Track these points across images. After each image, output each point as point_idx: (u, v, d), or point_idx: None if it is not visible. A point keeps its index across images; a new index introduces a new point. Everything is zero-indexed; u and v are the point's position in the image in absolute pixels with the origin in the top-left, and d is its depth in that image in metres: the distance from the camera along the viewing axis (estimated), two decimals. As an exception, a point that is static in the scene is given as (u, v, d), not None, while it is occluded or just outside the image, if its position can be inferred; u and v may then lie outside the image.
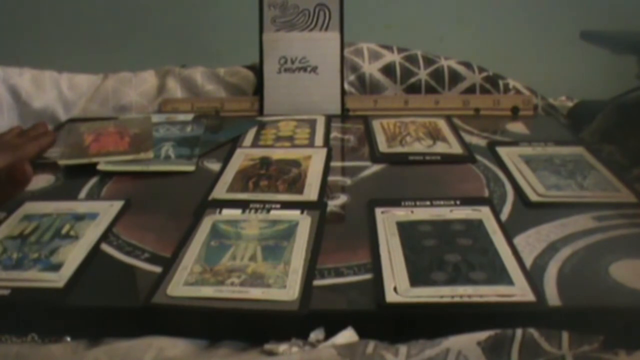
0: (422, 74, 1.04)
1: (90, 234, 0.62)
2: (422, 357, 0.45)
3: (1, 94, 0.97)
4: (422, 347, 0.46)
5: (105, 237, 0.63)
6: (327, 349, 0.47)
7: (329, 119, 0.96)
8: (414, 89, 1.04)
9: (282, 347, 0.48)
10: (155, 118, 0.95)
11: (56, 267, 0.57)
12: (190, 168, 0.80)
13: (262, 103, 1.01)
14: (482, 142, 0.86)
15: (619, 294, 0.52)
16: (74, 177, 0.78)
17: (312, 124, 0.94)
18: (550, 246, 0.59)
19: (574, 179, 0.73)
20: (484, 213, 0.64)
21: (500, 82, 1.04)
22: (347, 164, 0.82)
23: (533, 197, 0.69)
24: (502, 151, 0.82)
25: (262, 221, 0.64)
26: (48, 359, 0.49)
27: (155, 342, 0.49)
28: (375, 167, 0.80)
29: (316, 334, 0.49)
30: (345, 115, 1.00)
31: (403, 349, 0.46)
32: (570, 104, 1.05)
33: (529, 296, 0.51)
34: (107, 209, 0.68)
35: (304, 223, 0.63)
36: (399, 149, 0.84)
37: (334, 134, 0.92)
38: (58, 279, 0.55)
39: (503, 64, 1.08)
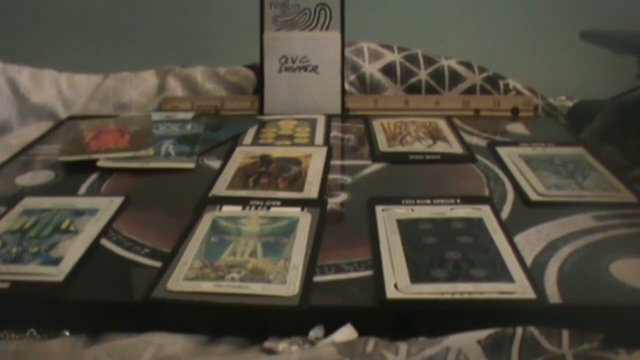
0: (423, 74, 1.04)
1: (90, 229, 0.62)
2: (422, 356, 0.45)
3: (0, 84, 0.97)
4: (422, 345, 0.46)
5: (105, 232, 0.63)
6: (327, 347, 0.46)
7: (329, 118, 0.96)
8: (414, 89, 1.04)
9: (282, 345, 0.48)
10: (156, 116, 0.95)
11: (55, 261, 0.56)
12: (190, 165, 0.79)
13: (262, 102, 1.01)
14: (483, 143, 0.86)
15: (619, 292, 0.52)
16: (74, 174, 0.78)
17: (312, 123, 0.94)
18: (550, 245, 0.59)
19: (574, 179, 0.73)
20: (484, 212, 0.64)
21: (501, 83, 1.04)
22: (347, 162, 0.82)
23: (533, 197, 0.69)
24: (503, 151, 0.82)
25: (262, 218, 0.64)
26: (47, 355, 0.48)
27: (155, 338, 0.49)
28: (376, 166, 0.80)
29: (315, 332, 0.49)
30: (345, 114, 1.00)
31: (403, 347, 0.46)
32: (570, 104, 1.05)
33: (529, 293, 0.51)
34: (107, 205, 0.68)
35: (304, 220, 0.63)
36: (399, 148, 0.84)
37: (334, 133, 0.92)
38: (57, 273, 0.55)
39: (503, 64, 1.08)
